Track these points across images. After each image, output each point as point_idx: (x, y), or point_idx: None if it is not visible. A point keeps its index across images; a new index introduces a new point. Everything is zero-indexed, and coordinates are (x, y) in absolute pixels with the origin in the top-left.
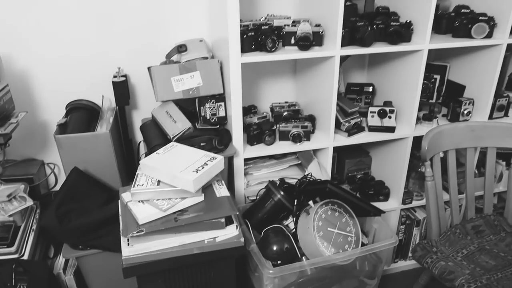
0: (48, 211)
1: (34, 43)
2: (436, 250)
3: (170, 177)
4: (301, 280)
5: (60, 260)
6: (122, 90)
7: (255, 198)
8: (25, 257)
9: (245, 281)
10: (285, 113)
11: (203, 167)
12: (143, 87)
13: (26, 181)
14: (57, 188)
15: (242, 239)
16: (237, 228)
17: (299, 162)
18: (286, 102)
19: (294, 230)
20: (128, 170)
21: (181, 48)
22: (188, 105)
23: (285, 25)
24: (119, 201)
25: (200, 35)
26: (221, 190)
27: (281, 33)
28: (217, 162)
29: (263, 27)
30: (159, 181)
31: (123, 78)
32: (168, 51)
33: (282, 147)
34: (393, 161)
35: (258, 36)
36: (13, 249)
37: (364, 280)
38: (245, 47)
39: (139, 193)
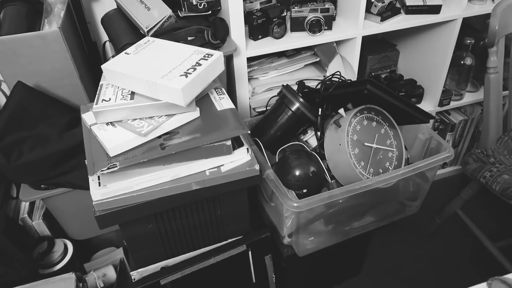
0: None
1: None
2: (494, 161)
3: (148, 86)
4: (331, 211)
5: (25, 202)
6: None
7: (264, 109)
8: None
9: (257, 209)
10: None
11: (194, 69)
12: None
13: None
14: None
15: (257, 167)
16: (248, 151)
17: (318, 59)
18: None
19: (317, 148)
20: (97, 83)
21: None
22: None
23: None
24: (83, 124)
25: None
26: (223, 102)
27: None
28: (215, 60)
29: None
30: (133, 93)
31: None
32: None
33: (296, 39)
34: (431, 53)
35: None
36: None
37: (405, 202)
38: None
39: (106, 111)
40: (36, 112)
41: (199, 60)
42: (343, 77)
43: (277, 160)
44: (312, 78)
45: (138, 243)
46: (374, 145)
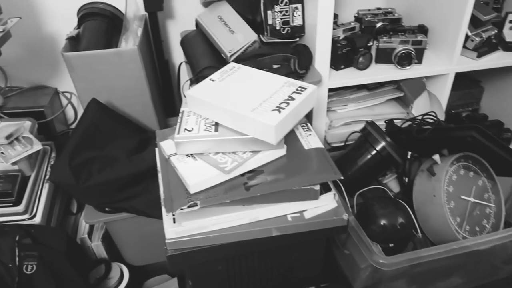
0: (59, 162)
1: None
2: None
3: (236, 119)
4: (415, 271)
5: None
6: None
7: (340, 145)
8: (37, 219)
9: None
10: (379, 24)
11: (287, 104)
12: None
13: (35, 115)
14: None
15: (345, 216)
16: (335, 197)
17: (401, 94)
18: (378, 9)
19: (399, 194)
20: (165, 103)
21: None
22: (245, 11)
23: None
24: (157, 152)
25: None
26: (310, 139)
27: None
28: (309, 95)
29: None
30: (217, 124)
31: None
32: None
33: (381, 72)
34: None
35: None
36: (20, 208)
37: (498, 265)
38: None
39: (188, 142)
40: (107, 131)
41: (291, 94)
42: (438, 118)
43: (355, 204)
44: (396, 116)
45: (204, 284)
46: (472, 199)
